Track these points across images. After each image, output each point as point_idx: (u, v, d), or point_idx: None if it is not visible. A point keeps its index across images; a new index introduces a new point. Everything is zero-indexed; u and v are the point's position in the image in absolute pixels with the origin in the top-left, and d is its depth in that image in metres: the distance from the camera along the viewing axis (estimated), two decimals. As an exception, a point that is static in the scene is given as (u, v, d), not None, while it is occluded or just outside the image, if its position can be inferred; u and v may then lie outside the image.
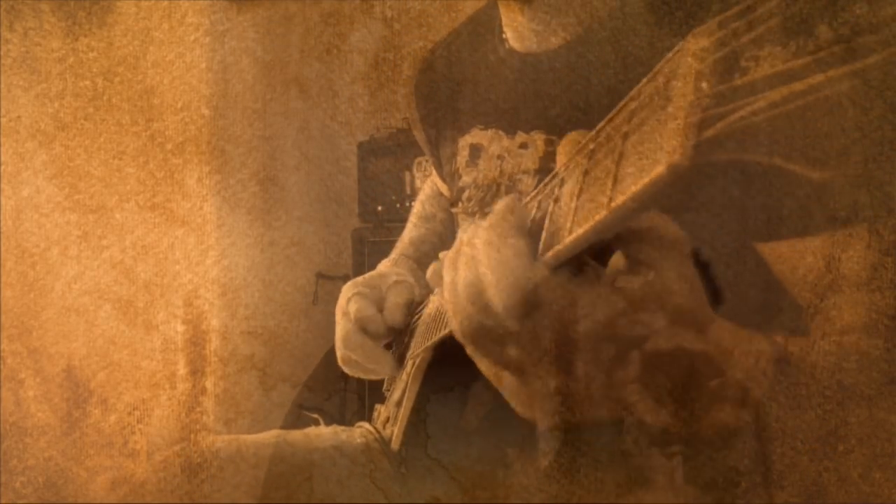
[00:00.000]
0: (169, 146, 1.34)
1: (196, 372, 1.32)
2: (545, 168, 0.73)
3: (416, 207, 1.09)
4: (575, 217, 0.36)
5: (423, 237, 1.00)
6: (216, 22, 1.51)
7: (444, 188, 1.01)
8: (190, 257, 1.35)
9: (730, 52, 0.29)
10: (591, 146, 0.39)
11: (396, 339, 0.92)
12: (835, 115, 0.25)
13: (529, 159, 0.75)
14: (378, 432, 0.83)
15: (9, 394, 1.11)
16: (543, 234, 0.40)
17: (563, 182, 0.41)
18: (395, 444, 0.76)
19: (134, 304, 1.28)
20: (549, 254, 0.39)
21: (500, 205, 0.43)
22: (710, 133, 0.28)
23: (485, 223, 0.42)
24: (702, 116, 0.29)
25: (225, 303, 1.62)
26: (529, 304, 0.39)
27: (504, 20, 0.77)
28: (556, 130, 0.73)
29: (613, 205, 0.32)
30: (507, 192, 0.78)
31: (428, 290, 0.90)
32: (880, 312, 0.53)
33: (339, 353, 0.85)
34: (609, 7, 0.68)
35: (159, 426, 1.26)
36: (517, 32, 0.75)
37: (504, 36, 0.78)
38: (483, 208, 0.80)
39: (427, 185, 1.11)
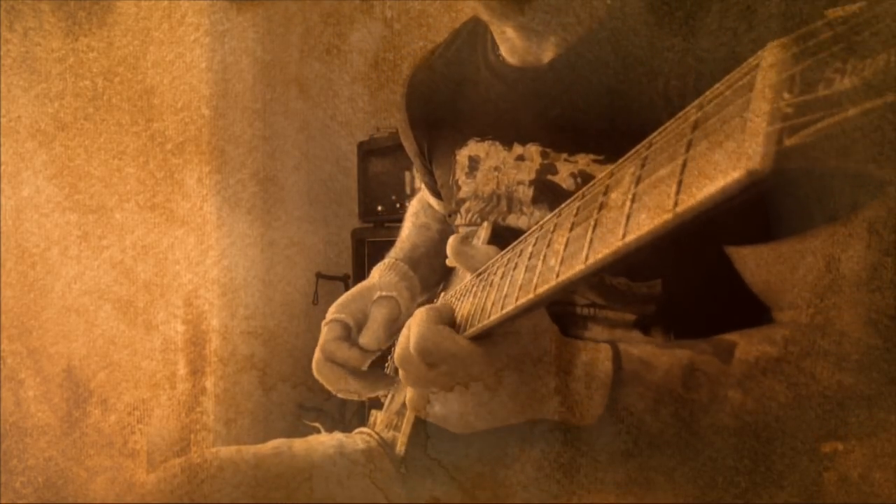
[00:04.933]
0: (169, 146, 1.34)
1: (196, 372, 1.32)
2: (541, 179, 0.74)
3: (409, 215, 1.09)
4: (629, 223, 0.36)
5: (417, 244, 1.00)
6: (216, 22, 1.52)
7: (433, 202, 1.01)
8: (190, 257, 1.35)
9: (812, 64, 0.29)
10: (645, 153, 0.38)
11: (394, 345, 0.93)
12: None
13: (526, 171, 0.75)
14: (379, 436, 0.83)
15: (9, 394, 1.12)
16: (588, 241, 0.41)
17: (607, 189, 0.41)
18: (400, 448, 0.76)
19: (134, 304, 1.28)
20: (470, 331, 0.54)
21: (437, 303, 0.60)
22: (792, 141, 0.28)
23: (424, 307, 0.59)
24: (782, 126, 0.29)
25: (225, 303, 1.62)
26: (433, 357, 0.56)
27: (495, 35, 0.77)
28: (551, 143, 0.74)
29: (679, 209, 0.32)
30: (506, 203, 0.78)
31: (414, 301, 0.91)
32: (880, 312, 0.53)
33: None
34: (609, 7, 0.68)
35: (159, 426, 1.26)
36: (508, 46, 0.75)
37: (497, 50, 0.78)
38: (484, 219, 0.80)
39: (416, 199, 1.11)
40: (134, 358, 1.26)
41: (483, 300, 0.54)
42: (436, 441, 0.74)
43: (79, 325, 1.20)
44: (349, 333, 0.83)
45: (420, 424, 0.73)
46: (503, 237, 0.77)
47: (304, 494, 0.79)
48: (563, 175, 0.72)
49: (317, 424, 0.92)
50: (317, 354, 0.83)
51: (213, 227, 1.55)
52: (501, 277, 0.52)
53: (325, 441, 0.85)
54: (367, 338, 0.82)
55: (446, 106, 0.88)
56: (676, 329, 0.66)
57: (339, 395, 0.85)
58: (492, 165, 0.79)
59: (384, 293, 0.87)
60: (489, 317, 0.51)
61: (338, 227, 2.07)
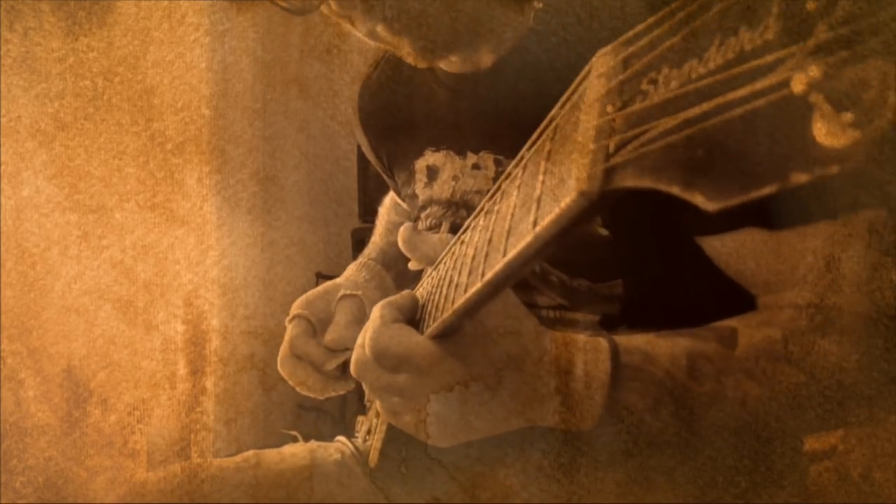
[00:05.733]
0: (169, 146, 1.34)
1: (196, 372, 1.32)
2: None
3: (381, 214, 1.09)
4: (509, 238, 0.37)
5: (390, 243, 1.00)
6: (216, 22, 1.51)
7: (402, 204, 1.01)
8: (190, 257, 1.35)
9: (632, 74, 0.28)
10: (526, 158, 0.40)
11: None
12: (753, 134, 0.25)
13: (482, 179, 0.75)
14: (354, 446, 0.83)
15: (9, 394, 1.11)
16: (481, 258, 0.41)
17: (503, 195, 0.42)
18: (372, 461, 0.74)
19: (134, 304, 1.28)
20: (429, 330, 0.51)
21: (396, 295, 0.57)
22: (618, 159, 0.27)
23: (380, 303, 0.55)
24: (607, 142, 0.28)
25: (225, 303, 1.62)
26: (387, 360, 0.51)
27: None
28: (501, 150, 0.73)
29: (536, 231, 0.33)
30: (464, 210, 0.78)
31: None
32: (880, 312, 0.53)
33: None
34: (609, 7, 0.68)
35: (159, 426, 1.25)
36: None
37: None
38: (442, 223, 0.80)
39: (387, 197, 1.11)
40: (134, 358, 1.26)
41: (438, 294, 0.51)
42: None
43: (79, 325, 1.20)
44: (314, 331, 0.83)
45: (393, 436, 0.72)
46: None
47: (305, 494, 0.79)
48: None
49: (294, 433, 0.91)
50: (284, 348, 0.83)
51: (213, 227, 1.55)
52: (452, 269, 0.49)
53: (296, 452, 0.84)
54: (331, 337, 0.82)
55: (398, 116, 0.88)
56: (642, 327, 0.66)
57: (300, 391, 0.84)
58: (450, 175, 0.79)
59: (348, 292, 0.86)
60: (443, 311, 0.48)
61: (338, 227, 2.07)
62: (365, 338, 0.52)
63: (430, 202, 0.82)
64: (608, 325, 0.67)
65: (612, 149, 0.28)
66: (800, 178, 0.23)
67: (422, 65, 0.72)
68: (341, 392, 0.85)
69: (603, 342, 0.56)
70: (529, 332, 0.54)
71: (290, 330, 0.83)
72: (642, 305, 0.66)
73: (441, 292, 0.50)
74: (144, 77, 1.32)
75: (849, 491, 0.59)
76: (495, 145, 0.74)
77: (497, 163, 0.74)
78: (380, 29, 0.68)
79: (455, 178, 0.79)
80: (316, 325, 0.83)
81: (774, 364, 0.55)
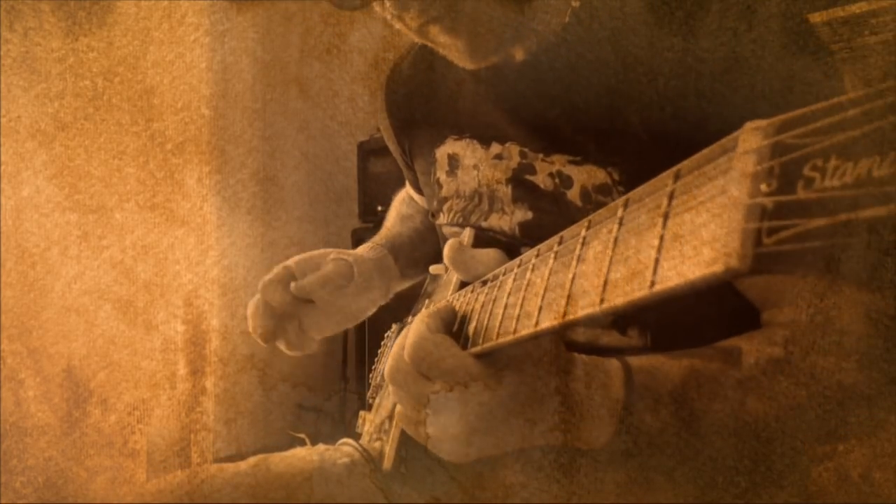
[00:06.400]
0: (169, 146, 1.34)
1: (196, 372, 1.32)
2: (518, 178, 0.73)
3: (394, 205, 1.09)
4: (606, 288, 0.37)
5: (400, 233, 1.01)
6: (216, 22, 1.51)
7: (418, 198, 1.01)
8: (190, 257, 1.35)
9: (795, 158, 0.27)
10: (621, 213, 0.38)
11: (384, 347, 0.93)
12: None
13: (503, 170, 0.75)
14: (363, 449, 0.82)
15: (9, 394, 1.11)
16: (567, 289, 0.41)
17: (585, 241, 0.41)
18: (387, 465, 0.74)
19: (134, 304, 1.28)
20: (476, 349, 0.51)
21: (439, 305, 0.58)
22: (771, 242, 0.27)
23: (424, 313, 0.55)
24: (759, 226, 0.27)
25: (225, 303, 1.62)
26: (425, 366, 0.52)
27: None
28: (527, 142, 0.73)
29: (656, 288, 0.33)
30: (488, 202, 0.78)
31: (386, 284, 0.89)
32: (880, 312, 0.53)
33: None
34: (609, 7, 0.68)
35: (159, 426, 1.26)
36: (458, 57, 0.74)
37: None
38: (468, 219, 0.80)
39: (400, 193, 1.11)
40: (134, 358, 1.26)
41: (485, 314, 0.51)
42: (436, 441, 0.74)
43: (79, 325, 1.20)
44: (290, 280, 0.83)
45: (407, 438, 0.72)
46: (485, 241, 0.76)
47: (305, 494, 0.79)
48: (542, 175, 0.72)
49: (302, 435, 0.90)
50: (255, 297, 0.83)
51: (213, 227, 1.55)
52: (511, 295, 0.49)
53: (304, 456, 0.84)
54: (301, 284, 0.81)
55: (424, 104, 0.88)
56: (653, 327, 0.66)
57: (258, 338, 0.84)
58: (471, 164, 0.79)
59: (339, 256, 0.86)
60: (498, 336, 0.48)
61: (338, 227, 2.07)
62: (405, 343, 0.53)
63: (452, 195, 0.82)
64: (620, 325, 0.67)
65: (764, 231, 0.28)
66: None
67: (470, 66, 0.71)
68: (285, 350, 0.84)
69: (615, 364, 0.56)
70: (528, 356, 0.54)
71: (267, 275, 0.83)
72: (655, 306, 0.66)
73: (490, 312, 0.51)
74: (144, 77, 1.32)
75: (849, 491, 0.59)
76: (521, 137, 0.74)
77: (522, 154, 0.74)
78: (433, 28, 0.67)
79: (476, 167, 0.78)
80: (297, 276, 0.83)
81: (777, 382, 0.55)
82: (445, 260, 0.61)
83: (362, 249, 0.93)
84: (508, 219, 0.75)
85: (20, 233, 1.15)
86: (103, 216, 1.25)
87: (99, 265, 1.24)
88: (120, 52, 1.28)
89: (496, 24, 0.67)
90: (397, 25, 0.70)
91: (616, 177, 0.67)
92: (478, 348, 0.51)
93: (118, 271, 1.26)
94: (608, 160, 0.67)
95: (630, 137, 0.65)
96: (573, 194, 0.69)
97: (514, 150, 0.75)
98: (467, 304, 0.57)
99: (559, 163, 0.70)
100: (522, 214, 0.74)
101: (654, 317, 0.66)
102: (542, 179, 0.72)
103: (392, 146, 0.97)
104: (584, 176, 0.69)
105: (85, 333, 1.21)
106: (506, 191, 0.75)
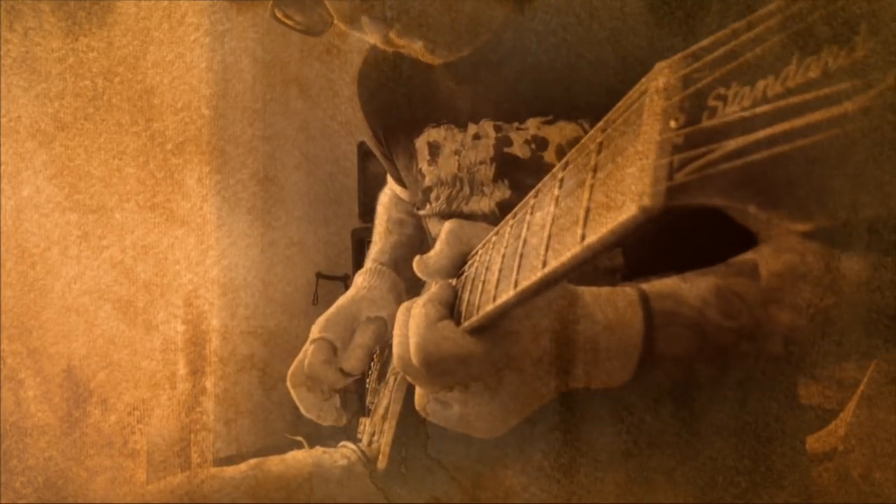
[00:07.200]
0: (169, 146, 1.34)
1: (196, 372, 1.32)
2: (500, 154, 0.73)
3: (381, 213, 1.08)
4: (548, 251, 0.37)
5: (397, 242, 0.99)
6: (216, 22, 1.51)
7: (402, 193, 1.01)
8: (190, 257, 1.35)
9: (697, 91, 0.28)
10: (560, 175, 0.39)
11: (379, 351, 0.92)
12: (828, 162, 0.25)
13: (484, 149, 0.75)
14: (361, 451, 0.82)
15: (9, 394, 1.11)
16: (517, 262, 0.41)
17: (533, 209, 0.42)
18: (381, 464, 0.74)
19: (134, 304, 1.28)
20: (465, 324, 0.49)
21: (435, 288, 0.54)
22: (682, 176, 0.27)
23: (422, 300, 0.52)
24: (670, 160, 0.28)
25: (225, 303, 1.62)
26: (438, 367, 0.49)
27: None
28: (500, 115, 0.74)
29: (586, 242, 0.33)
30: (468, 186, 0.78)
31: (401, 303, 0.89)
32: (880, 312, 0.53)
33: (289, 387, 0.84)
34: (609, 7, 0.68)
35: (159, 426, 1.26)
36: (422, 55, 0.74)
37: None
38: (451, 206, 0.79)
39: (384, 194, 1.10)
40: (134, 358, 1.26)
41: (476, 289, 0.50)
42: (435, 441, 0.74)
43: (79, 325, 1.20)
44: (335, 355, 0.82)
45: (418, 423, 0.72)
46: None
47: (304, 494, 0.79)
48: (518, 144, 0.72)
49: (299, 439, 0.90)
50: (299, 369, 0.82)
51: (213, 227, 1.55)
52: (488, 269, 0.48)
53: (302, 459, 0.84)
54: (352, 363, 0.81)
55: (396, 96, 0.88)
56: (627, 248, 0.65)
57: (300, 406, 0.83)
58: (452, 149, 0.79)
59: (372, 314, 0.85)
60: (480, 308, 0.47)
61: (338, 227, 2.07)
62: (410, 341, 0.50)
63: (435, 184, 0.82)
64: None
65: (675, 165, 0.28)
66: None
67: (434, 62, 0.72)
68: (330, 422, 0.84)
69: (630, 290, 0.54)
70: (528, 332, 0.53)
71: (312, 353, 0.81)
72: (644, 275, 0.65)
73: (477, 289, 0.50)
74: (144, 77, 1.32)
75: (849, 491, 0.59)
76: (494, 111, 0.74)
77: (497, 129, 0.74)
78: (392, 35, 0.69)
79: (457, 151, 0.79)
80: (339, 348, 0.82)
81: (802, 287, 0.53)
82: (418, 272, 0.60)
83: (369, 277, 0.91)
84: (487, 200, 0.76)
85: (20, 233, 1.15)
86: (103, 216, 1.25)
87: (99, 265, 1.24)
88: (120, 52, 1.28)
89: (444, 26, 0.68)
90: (366, 39, 0.72)
91: (587, 127, 0.67)
92: (469, 322, 0.49)
93: (118, 271, 1.26)
94: (578, 113, 0.68)
95: (598, 88, 0.66)
96: (549, 155, 0.70)
97: (488, 126, 0.75)
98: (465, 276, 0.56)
99: (533, 126, 0.71)
100: (501, 194, 0.75)
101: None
102: (519, 148, 0.72)
103: (370, 141, 0.97)
104: (557, 133, 0.69)
105: (85, 333, 1.21)
106: (488, 171, 0.75)
